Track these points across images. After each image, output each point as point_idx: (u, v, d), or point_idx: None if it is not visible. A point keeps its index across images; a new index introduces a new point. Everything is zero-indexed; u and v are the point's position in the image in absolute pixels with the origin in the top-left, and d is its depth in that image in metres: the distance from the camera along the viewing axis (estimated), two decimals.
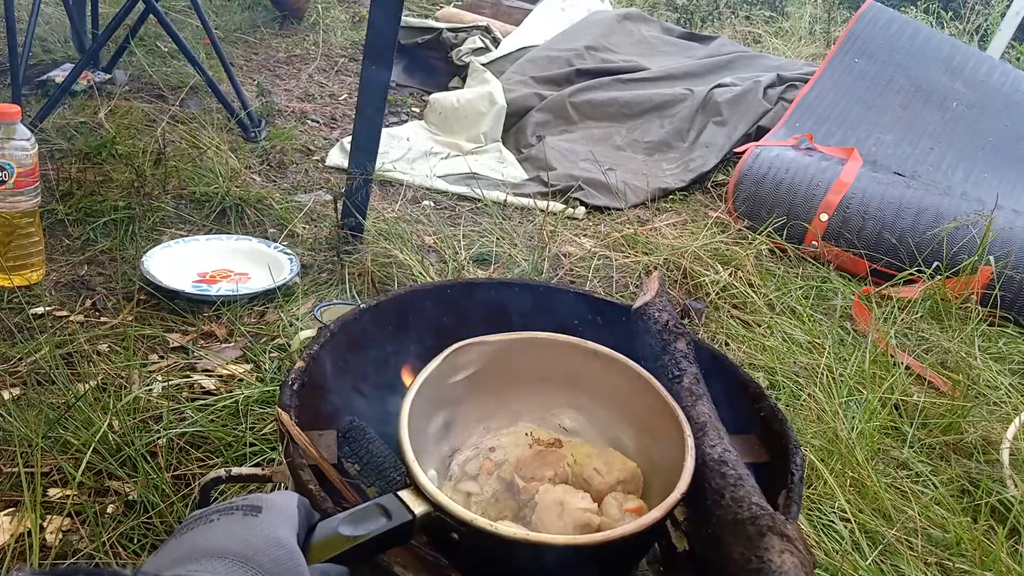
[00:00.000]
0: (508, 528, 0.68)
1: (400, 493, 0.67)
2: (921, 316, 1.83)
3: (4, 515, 1.01)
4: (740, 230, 2.13)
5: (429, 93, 2.86)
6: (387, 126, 2.57)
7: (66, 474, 1.07)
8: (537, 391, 0.96)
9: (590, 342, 0.92)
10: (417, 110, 2.85)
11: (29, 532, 0.97)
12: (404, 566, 0.65)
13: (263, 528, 0.50)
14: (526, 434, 0.93)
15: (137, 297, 1.50)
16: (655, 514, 0.71)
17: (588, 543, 0.67)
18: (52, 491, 1.06)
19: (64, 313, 1.44)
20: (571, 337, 0.93)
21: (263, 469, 0.79)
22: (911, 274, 1.97)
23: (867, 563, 1.12)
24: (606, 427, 0.94)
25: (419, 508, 0.66)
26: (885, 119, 2.64)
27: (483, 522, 0.67)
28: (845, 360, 1.62)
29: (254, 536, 0.49)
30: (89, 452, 1.09)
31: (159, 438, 1.15)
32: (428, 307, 1.00)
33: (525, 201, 2.19)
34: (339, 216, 1.76)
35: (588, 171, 2.38)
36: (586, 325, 1.02)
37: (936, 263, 1.97)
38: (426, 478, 0.70)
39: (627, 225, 2.14)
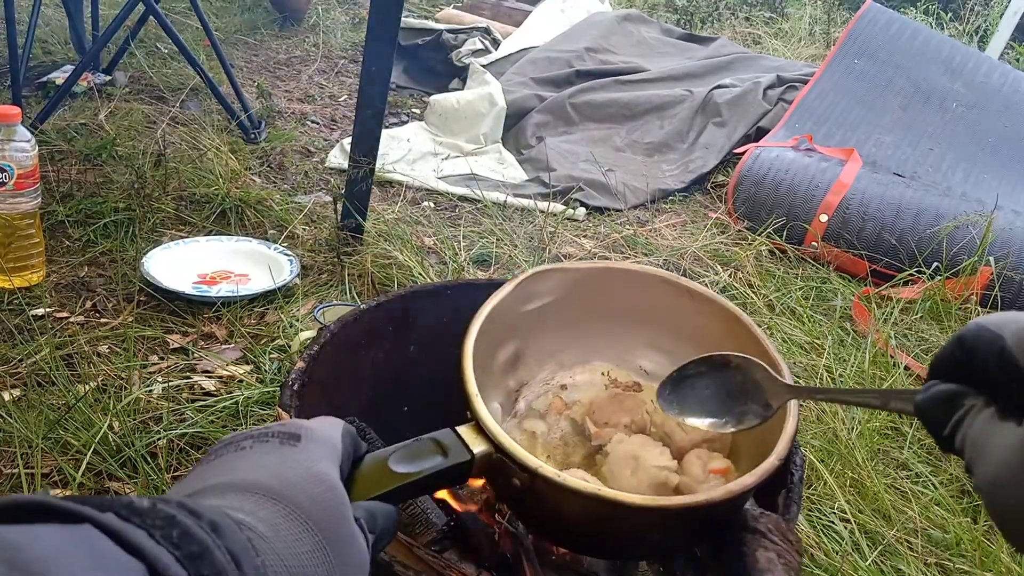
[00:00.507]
0: (578, 481, 0.60)
1: (459, 429, 0.60)
2: (921, 317, 1.83)
3: None
4: (740, 231, 2.13)
5: (429, 94, 2.86)
6: (387, 127, 2.57)
7: (66, 475, 1.08)
8: (618, 328, 0.87)
9: (684, 278, 0.83)
10: (417, 111, 2.86)
11: None
12: (405, 566, 0.65)
13: (301, 460, 0.44)
14: (602, 373, 0.85)
15: (137, 298, 1.50)
16: (747, 480, 0.61)
17: (667, 506, 0.60)
18: (52, 492, 1.06)
19: (64, 314, 1.44)
20: (662, 270, 0.85)
21: None
22: (911, 275, 1.97)
23: (867, 563, 1.12)
24: None
25: (479, 448, 0.59)
26: (885, 120, 2.64)
27: (550, 471, 0.59)
28: (845, 361, 1.62)
29: (290, 469, 0.43)
30: (89, 453, 1.09)
31: (159, 439, 1.15)
32: (428, 308, 1.00)
33: (525, 202, 2.20)
34: (339, 217, 1.76)
35: (588, 172, 2.38)
36: None
37: (936, 264, 1.97)
38: (488, 414, 0.62)
39: (627, 226, 2.14)
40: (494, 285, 1.06)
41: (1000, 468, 0.38)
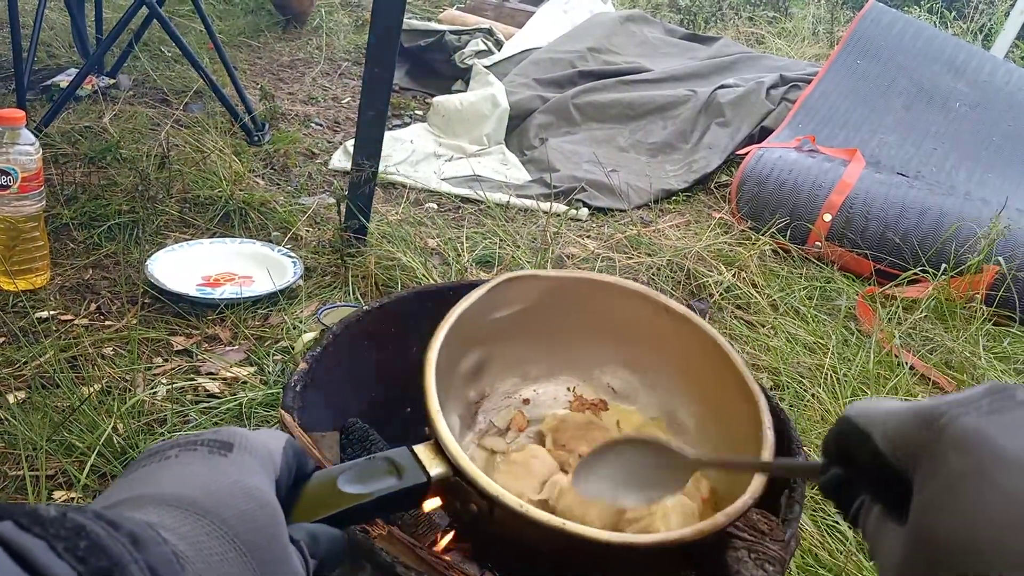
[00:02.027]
0: (541, 513, 0.57)
1: (416, 448, 0.56)
2: (925, 316, 1.82)
3: None
4: (743, 231, 2.13)
5: (432, 96, 2.87)
6: (390, 129, 2.57)
7: (71, 477, 1.08)
8: (589, 342, 0.83)
9: (662, 295, 0.79)
10: (420, 113, 2.86)
11: None
12: (407, 566, 0.65)
13: (231, 472, 0.40)
14: (568, 389, 0.82)
15: (141, 301, 1.50)
16: (718, 519, 0.58)
17: (635, 544, 0.57)
18: (57, 494, 1.06)
19: (69, 317, 1.44)
20: (641, 286, 0.80)
21: None
22: (915, 274, 1.96)
23: (871, 564, 1.12)
24: (663, 396, 0.81)
25: (436, 469, 0.55)
26: (888, 120, 2.63)
27: (512, 500, 0.56)
28: (849, 360, 1.61)
29: (217, 482, 0.39)
30: (94, 455, 1.09)
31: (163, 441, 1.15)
32: (431, 309, 1.00)
33: (528, 203, 2.20)
34: (342, 219, 1.76)
35: (591, 173, 2.38)
36: None
37: (940, 263, 1.97)
38: (449, 434, 0.58)
39: (630, 226, 2.14)
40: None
41: (887, 566, 0.38)
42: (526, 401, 0.81)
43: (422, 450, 0.56)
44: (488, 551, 0.64)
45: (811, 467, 0.47)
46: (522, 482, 0.68)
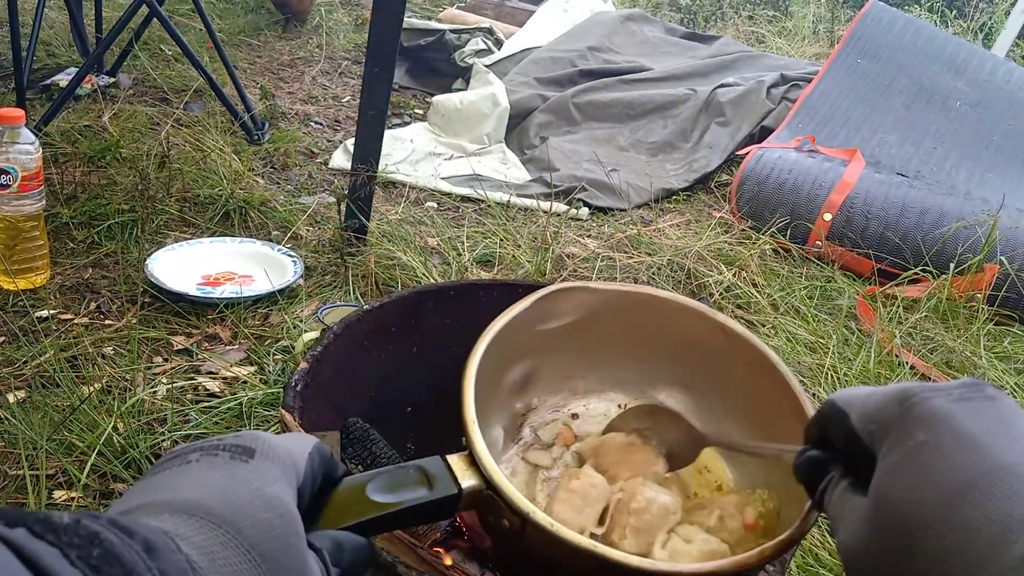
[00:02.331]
0: (572, 534, 0.55)
1: (450, 458, 0.54)
2: (926, 315, 1.82)
3: None
4: (744, 230, 2.13)
5: (432, 95, 2.86)
6: (390, 128, 2.57)
7: (71, 476, 1.08)
8: (640, 359, 0.80)
9: (720, 314, 0.76)
10: (420, 112, 2.86)
11: None
12: (408, 566, 0.65)
13: (251, 479, 0.39)
14: (619, 406, 0.80)
15: (141, 300, 1.50)
16: (766, 550, 0.56)
17: (668, 572, 0.55)
18: (57, 493, 1.06)
19: (69, 316, 1.44)
20: (697, 303, 0.77)
21: None
22: (915, 274, 1.96)
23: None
24: (715, 417, 0.78)
25: (468, 481, 0.54)
26: (888, 119, 2.63)
27: (543, 518, 0.54)
28: (850, 360, 1.61)
29: (237, 489, 0.38)
30: (94, 455, 1.09)
31: (163, 440, 1.15)
32: (432, 309, 1.00)
33: (528, 202, 2.19)
34: (342, 218, 1.76)
35: (591, 172, 2.38)
36: None
37: (941, 263, 1.97)
38: (483, 446, 0.56)
39: (631, 226, 2.14)
40: (498, 285, 1.07)
41: (851, 538, 0.41)
42: (574, 416, 0.79)
43: (456, 460, 0.55)
44: (518, 568, 0.62)
45: (790, 450, 0.51)
46: (582, 514, 0.66)
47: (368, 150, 1.68)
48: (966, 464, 0.36)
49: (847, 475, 0.44)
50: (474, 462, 0.55)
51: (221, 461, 0.40)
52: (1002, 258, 1.93)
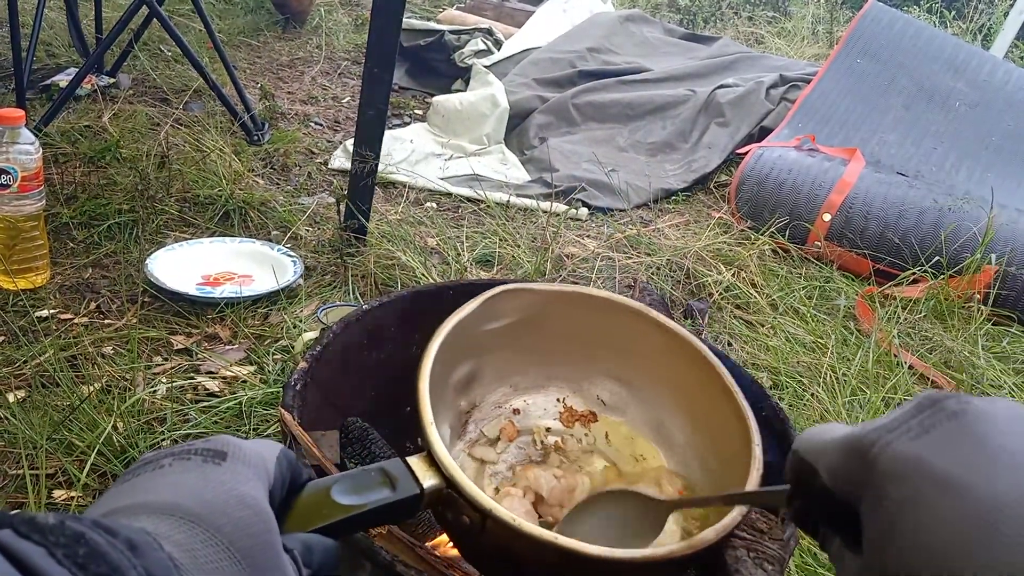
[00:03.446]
0: (533, 527, 0.57)
1: (410, 459, 0.56)
2: (924, 315, 1.83)
3: None
4: (743, 230, 2.13)
5: (432, 95, 2.87)
6: (390, 128, 2.57)
7: (71, 476, 1.08)
8: (580, 355, 0.84)
9: (656, 311, 0.80)
10: (420, 112, 2.86)
11: None
12: (407, 565, 0.65)
13: (225, 480, 0.40)
14: (558, 400, 0.83)
15: (141, 300, 1.50)
16: (707, 535, 0.59)
17: (626, 559, 0.57)
18: (57, 493, 1.07)
19: (68, 316, 1.44)
20: (635, 302, 0.81)
21: None
22: (914, 273, 1.96)
23: None
24: (652, 410, 0.82)
25: (429, 481, 0.56)
26: (888, 119, 2.63)
27: (504, 513, 0.57)
28: (848, 360, 1.61)
29: (212, 490, 0.39)
30: (93, 454, 1.09)
31: (163, 440, 1.15)
32: (431, 309, 1.00)
33: (528, 202, 2.20)
34: (342, 218, 1.76)
35: (591, 172, 2.38)
36: None
37: (939, 261, 1.97)
38: (442, 445, 0.59)
39: (630, 226, 2.14)
40: (496, 285, 1.07)
41: None
42: (516, 411, 0.82)
43: (415, 461, 0.56)
44: (480, 564, 0.64)
45: (779, 496, 0.47)
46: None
47: (368, 150, 1.68)
48: (956, 516, 0.31)
49: (835, 532, 0.40)
50: (434, 462, 0.57)
51: (194, 464, 0.40)
52: (1000, 258, 1.93)
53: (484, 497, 0.57)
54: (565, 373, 0.85)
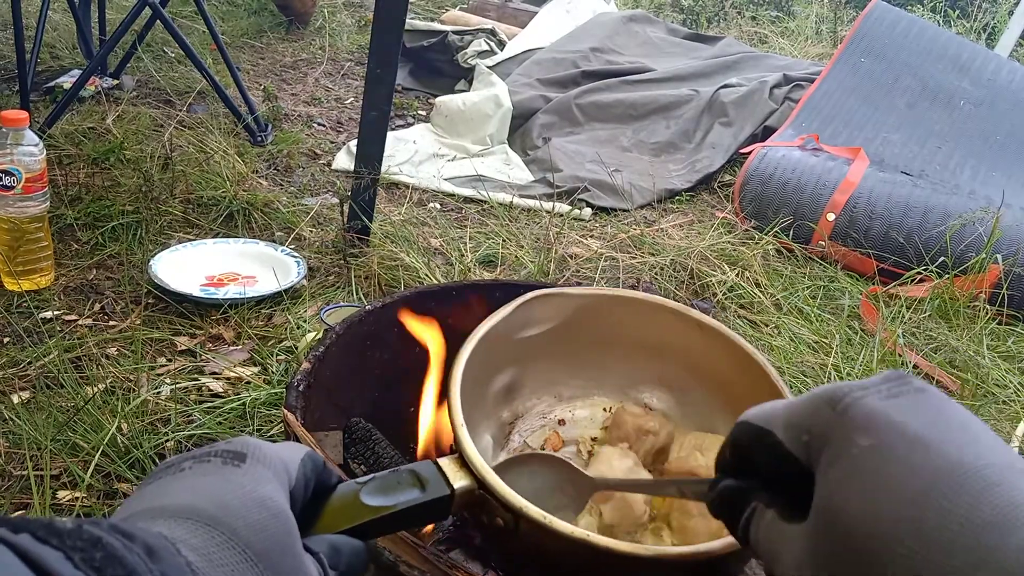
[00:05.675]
0: (565, 525, 0.56)
1: (440, 461, 0.56)
2: (929, 315, 1.82)
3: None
4: (747, 230, 2.12)
5: (435, 96, 2.87)
6: (393, 129, 2.57)
7: (75, 477, 1.08)
8: (621, 360, 0.82)
9: (694, 310, 0.78)
10: (423, 113, 2.86)
11: None
12: (411, 566, 0.65)
13: (244, 482, 0.40)
14: (604, 409, 0.81)
15: (145, 301, 1.50)
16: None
17: (661, 556, 0.56)
18: (61, 493, 1.07)
19: (73, 317, 1.44)
20: (671, 301, 0.79)
21: None
22: (918, 273, 1.96)
23: None
24: (700, 412, 0.80)
25: (460, 482, 0.55)
26: (892, 118, 2.63)
27: (535, 512, 0.56)
28: (853, 359, 1.61)
29: (230, 492, 0.39)
30: (98, 455, 1.09)
31: (167, 440, 1.15)
32: (434, 309, 1.00)
33: (531, 203, 2.20)
34: (345, 219, 1.76)
35: (594, 172, 2.38)
36: None
37: (944, 261, 1.96)
38: (473, 447, 0.58)
39: (634, 226, 2.14)
40: (500, 286, 1.07)
41: (794, 570, 0.37)
42: (561, 422, 0.80)
43: (447, 463, 0.56)
44: (515, 565, 0.63)
45: (700, 484, 0.46)
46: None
47: (371, 151, 1.68)
48: (924, 467, 0.33)
49: (773, 503, 0.40)
50: (465, 464, 0.57)
51: (213, 467, 0.40)
52: (1006, 257, 1.92)
53: (516, 496, 0.56)
54: (609, 380, 0.83)
